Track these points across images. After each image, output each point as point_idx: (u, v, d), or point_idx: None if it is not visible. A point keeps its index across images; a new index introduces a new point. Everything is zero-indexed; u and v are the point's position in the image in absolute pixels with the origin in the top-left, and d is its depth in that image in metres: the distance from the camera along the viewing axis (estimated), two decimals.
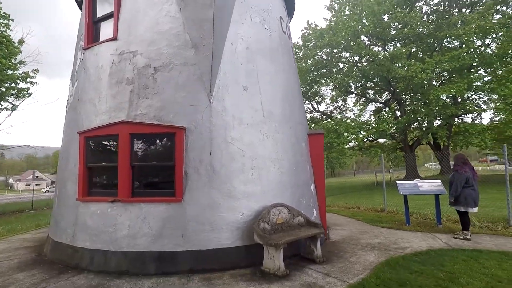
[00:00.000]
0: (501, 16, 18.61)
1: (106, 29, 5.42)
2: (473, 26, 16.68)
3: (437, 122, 19.69)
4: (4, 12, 15.50)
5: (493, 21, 17.75)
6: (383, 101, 25.22)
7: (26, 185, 55.92)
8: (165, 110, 4.67)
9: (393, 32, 20.31)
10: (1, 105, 16.12)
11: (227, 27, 5.05)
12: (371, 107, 27.09)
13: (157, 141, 4.75)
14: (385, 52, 20.21)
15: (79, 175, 4.90)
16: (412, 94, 20.39)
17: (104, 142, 4.99)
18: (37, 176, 67.39)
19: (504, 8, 20.62)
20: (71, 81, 5.90)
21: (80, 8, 6.87)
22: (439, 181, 7.02)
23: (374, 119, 21.96)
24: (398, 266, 4.42)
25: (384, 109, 25.70)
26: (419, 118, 18.88)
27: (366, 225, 7.44)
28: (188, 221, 4.41)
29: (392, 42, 22.20)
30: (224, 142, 4.74)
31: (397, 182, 7.45)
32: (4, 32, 15.43)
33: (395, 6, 19.06)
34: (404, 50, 17.58)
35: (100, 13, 5.67)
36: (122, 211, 4.50)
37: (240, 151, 4.82)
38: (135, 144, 4.67)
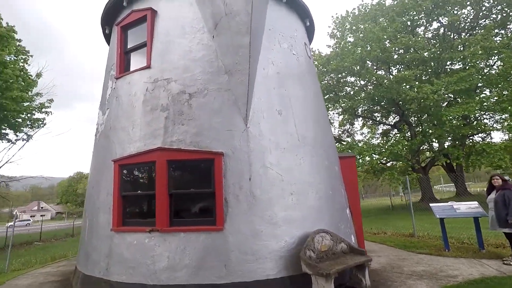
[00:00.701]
0: (500, 39, 19.12)
1: (138, 59, 5.52)
2: (478, 46, 17.03)
3: (447, 143, 19.54)
4: (24, 49, 16.16)
5: (496, 42, 18.22)
6: (392, 123, 25.24)
7: (31, 216, 55.36)
8: (201, 136, 4.61)
9: (395, 56, 20.82)
10: (17, 135, 16.28)
11: (258, 53, 5.11)
12: (378, 129, 27.14)
13: (195, 167, 4.64)
14: (390, 76, 20.59)
15: (113, 205, 4.74)
16: (421, 116, 20.43)
17: (140, 170, 4.89)
18: (42, 207, 66.78)
19: (503, 32, 21.26)
20: (101, 109, 5.92)
21: (108, 42, 7.09)
22: (476, 202, 6.75)
23: (385, 141, 21.86)
24: None
25: (391, 131, 25.72)
26: (433, 139, 18.75)
27: (401, 251, 7.07)
28: (230, 250, 4.17)
29: (397, 66, 22.67)
30: (263, 167, 4.61)
31: (431, 205, 7.17)
32: (23, 67, 15.98)
33: (398, 32, 19.68)
34: (411, 73, 17.84)
35: (131, 43, 5.82)
36: (160, 241, 4.29)
37: (279, 176, 4.68)
38: (172, 171, 4.55)
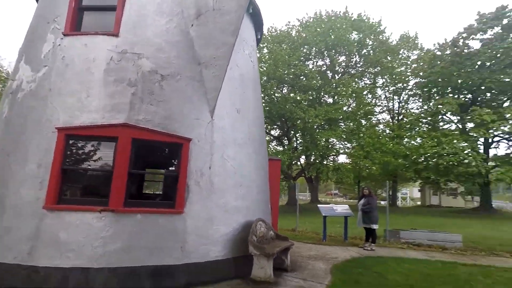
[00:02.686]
0: (356, 86, 25.59)
1: (99, 22, 4.91)
2: (350, 90, 22.24)
3: (317, 159, 24.28)
4: None
5: (355, 87, 24.31)
6: (276, 135, 28.89)
7: None
8: (171, 120, 4.64)
9: (286, 79, 24.31)
10: None
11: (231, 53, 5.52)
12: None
13: (161, 149, 4.60)
14: (283, 94, 23.97)
15: (50, 179, 4.06)
16: (303, 134, 24.58)
17: (93, 144, 4.37)
18: None
19: (360, 81, 28.45)
20: (29, 65, 4.81)
21: None
22: (347, 206, 9.16)
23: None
24: (344, 270, 5.72)
25: (271, 142, 29.56)
26: (310, 154, 22.88)
27: (293, 241, 8.71)
28: (188, 234, 4.41)
29: (289, 88, 26.47)
30: (222, 159, 5.06)
31: (319, 206, 9.21)
32: None
33: (299, 59, 23.18)
34: (304, 97, 21.30)
35: (93, 2, 5.11)
36: (112, 222, 4.05)
37: (233, 169, 5.23)
38: (136, 150, 4.36)
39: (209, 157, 4.88)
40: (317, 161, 22.76)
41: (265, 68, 21.91)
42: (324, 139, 21.61)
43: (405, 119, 29.48)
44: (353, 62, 28.21)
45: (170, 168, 4.54)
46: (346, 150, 25.81)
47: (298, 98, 21.61)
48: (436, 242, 8.47)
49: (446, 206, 31.01)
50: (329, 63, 27.24)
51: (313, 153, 22.44)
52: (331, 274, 5.37)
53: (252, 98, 6.34)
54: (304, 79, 23.23)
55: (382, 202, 23.02)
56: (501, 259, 7.23)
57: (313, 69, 25.35)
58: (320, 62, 28.36)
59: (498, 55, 21.90)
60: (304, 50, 24.93)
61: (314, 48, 25.14)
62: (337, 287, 4.75)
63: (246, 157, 5.61)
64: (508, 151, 22.90)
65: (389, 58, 26.59)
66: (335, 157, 27.80)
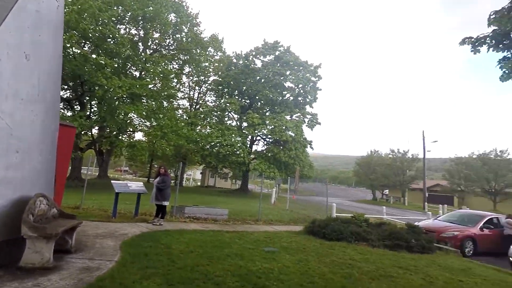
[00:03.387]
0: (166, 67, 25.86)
1: None
2: (159, 69, 21.92)
3: (114, 132, 22.19)
4: None
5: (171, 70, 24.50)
6: (64, 96, 23.69)
7: None
8: None
9: (91, 35, 20.64)
10: None
11: None
12: None
13: None
14: (85, 52, 20.03)
15: None
16: (98, 102, 21.54)
17: None
18: None
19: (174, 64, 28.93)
20: None
21: None
22: (142, 183, 9.21)
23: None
24: (134, 245, 5.87)
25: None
26: (107, 126, 20.32)
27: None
28: None
29: (91, 47, 22.33)
30: None
31: (112, 181, 8.61)
32: None
33: (110, 19, 20.06)
34: (110, 62, 18.80)
35: None
36: None
37: (8, 129, 3.98)
38: None
39: None
40: (113, 134, 20.81)
41: (66, 15, 17.19)
42: (123, 113, 20.08)
43: (201, 109, 33.07)
44: (167, 43, 28.08)
45: None
46: (145, 128, 25.32)
47: (102, 62, 18.75)
48: (210, 216, 10.30)
49: (219, 187, 37.84)
50: (142, 35, 25.53)
51: (109, 126, 20.34)
52: (120, 250, 5.33)
53: (51, 46, 5.04)
54: (112, 42, 20.43)
55: (173, 182, 24.62)
56: (250, 226, 9.97)
57: (124, 35, 22.81)
58: (133, 31, 25.96)
59: (269, 76, 29.31)
60: (119, 11, 21.97)
61: (129, 13, 22.66)
62: (127, 262, 4.79)
63: (30, 116, 4.42)
64: (263, 148, 31.25)
65: (198, 50, 28.66)
66: (131, 133, 26.51)
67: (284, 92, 30.95)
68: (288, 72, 29.69)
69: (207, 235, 7.50)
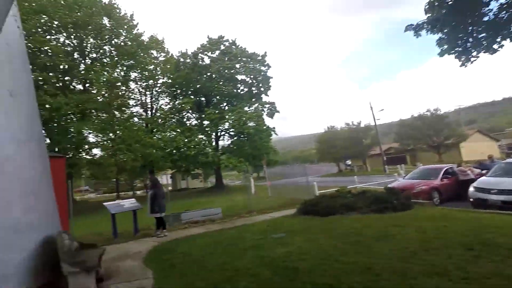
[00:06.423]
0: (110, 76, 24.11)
1: None
2: (104, 78, 20.67)
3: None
4: None
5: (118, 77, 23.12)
6: None
7: None
8: None
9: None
10: None
11: None
12: None
13: None
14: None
15: None
16: (46, 124, 19.79)
17: None
18: None
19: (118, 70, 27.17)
20: None
21: None
22: (134, 199, 9.01)
23: None
24: (155, 260, 5.92)
25: None
26: (63, 148, 18.81)
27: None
28: None
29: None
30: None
31: (105, 204, 8.31)
32: None
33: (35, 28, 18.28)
34: (45, 76, 17.35)
35: None
36: None
37: (16, 173, 3.82)
38: None
39: None
40: (71, 155, 19.39)
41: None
42: (77, 131, 18.77)
43: (157, 113, 31.85)
44: (107, 50, 26.33)
45: None
46: (101, 142, 23.82)
47: (40, 78, 17.19)
48: (206, 217, 10.44)
49: (192, 187, 37.31)
50: (77, 43, 23.55)
51: (64, 148, 18.92)
52: (147, 268, 5.39)
53: (25, 78, 4.75)
54: (44, 56, 18.68)
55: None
56: (247, 219, 10.33)
57: (58, 45, 20.95)
58: (65, 40, 23.70)
59: (219, 71, 29.23)
60: (42, 21, 20.02)
61: (56, 22, 20.66)
62: (162, 276, 4.89)
63: (30, 157, 4.22)
64: (228, 142, 31.38)
65: (141, 53, 27.41)
66: (89, 150, 24.79)
67: (238, 85, 31.20)
68: (238, 65, 29.92)
69: (215, 236, 7.72)
